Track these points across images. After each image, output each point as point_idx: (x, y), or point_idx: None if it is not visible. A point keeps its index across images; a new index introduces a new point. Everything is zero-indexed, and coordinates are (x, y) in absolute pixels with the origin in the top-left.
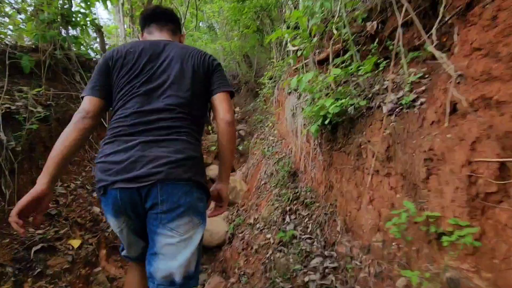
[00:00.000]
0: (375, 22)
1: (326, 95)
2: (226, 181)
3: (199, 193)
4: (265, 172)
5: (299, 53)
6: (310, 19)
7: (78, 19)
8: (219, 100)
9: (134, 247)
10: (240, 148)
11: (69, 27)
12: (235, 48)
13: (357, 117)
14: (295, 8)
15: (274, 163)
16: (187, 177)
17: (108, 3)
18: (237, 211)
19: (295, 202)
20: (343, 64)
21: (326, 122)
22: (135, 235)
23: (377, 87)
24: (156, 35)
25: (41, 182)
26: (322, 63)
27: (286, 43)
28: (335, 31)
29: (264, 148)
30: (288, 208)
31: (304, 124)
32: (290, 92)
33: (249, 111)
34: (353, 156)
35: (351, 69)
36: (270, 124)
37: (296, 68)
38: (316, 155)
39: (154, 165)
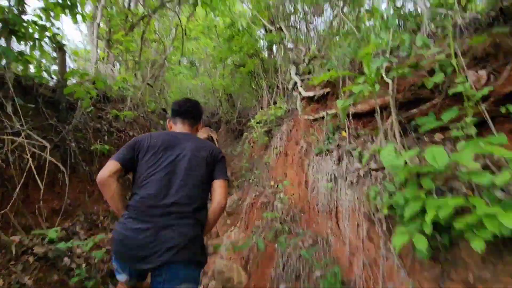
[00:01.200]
0: (484, 71)
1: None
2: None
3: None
4: (283, 269)
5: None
6: (377, 57)
7: (31, 30)
8: (218, 185)
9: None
10: (227, 206)
11: (13, 39)
12: (219, 86)
13: None
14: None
15: (300, 258)
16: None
17: (80, 18)
18: None
19: None
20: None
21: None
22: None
23: None
24: (179, 126)
25: None
26: (359, 117)
27: (282, 86)
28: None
29: (275, 227)
30: None
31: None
32: (319, 153)
33: (232, 155)
34: None
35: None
36: (273, 184)
37: (313, 119)
38: (392, 269)
39: (163, 248)
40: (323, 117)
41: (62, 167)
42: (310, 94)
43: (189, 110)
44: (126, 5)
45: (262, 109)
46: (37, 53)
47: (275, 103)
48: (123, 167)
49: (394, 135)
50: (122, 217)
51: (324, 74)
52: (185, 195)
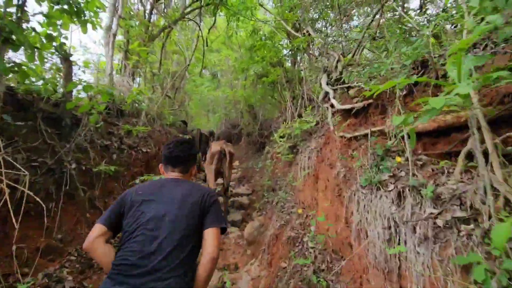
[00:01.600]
0: None
1: None
2: None
3: None
4: None
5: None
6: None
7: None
8: (210, 235)
9: None
10: (247, 233)
11: (6, 47)
12: (240, 97)
13: None
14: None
15: None
16: None
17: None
18: None
19: None
20: None
21: None
22: None
23: None
24: (170, 173)
25: None
26: (418, 137)
27: (308, 97)
28: None
29: (307, 277)
30: None
31: None
32: (368, 185)
33: (253, 169)
34: None
35: None
36: (300, 212)
37: (351, 137)
38: None
39: None
40: (365, 136)
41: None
42: (347, 107)
43: (179, 156)
44: (146, 16)
45: (285, 122)
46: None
47: (299, 115)
48: (110, 230)
49: (487, 166)
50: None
51: (389, 82)
52: (168, 253)
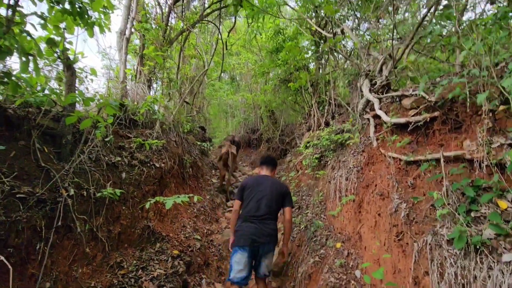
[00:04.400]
0: None
1: None
2: (286, 244)
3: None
4: None
5: None
6: None
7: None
8: (287, 210)
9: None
10: (273, 263)
11: None
12: (261, 101)
13: None
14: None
15: None
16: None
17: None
18: None
19: None
20: None
21: None
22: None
23: None
24: (264, 170)
25: None
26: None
27: (335, 103)
28: None
29: None
30: None
31: None
32: (463, 248)
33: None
34: None
35: None
36: (339, 246)
37: (409, 161)
38: None
39: (264, 235)
40: (428, 161)
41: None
42: (400, 120)
43: (271, 160)
44: (164, 19)
45: (310, 130)
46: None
47: (327, 123)
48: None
49: None
50: (238, 222)
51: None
52: (267, 211)
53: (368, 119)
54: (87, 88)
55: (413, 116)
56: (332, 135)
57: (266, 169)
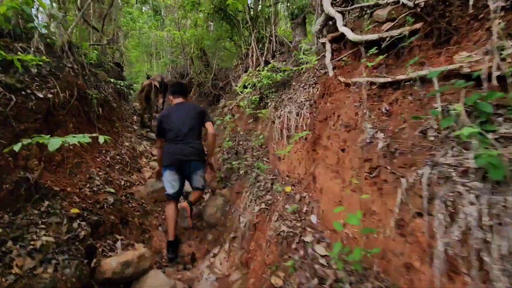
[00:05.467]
0: None
1: None
2: (211, 155)
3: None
4: None
5: None
6: None
7: None
8: (208, 125)
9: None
10: (208, 214)
11: None
12: (191, 37)
13: None
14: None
15: None
16: (199, 159)
17: None
18: None
19: None
20: None
21: None
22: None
23: None
24: (177, 99)
25: None
26: None
27: (276, 40)
28: None
29: None
30: None
31: None
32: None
33: None
34: None
35: None
36: (288, 190)
37: (383, 83)
38: None
39: (189, 153)
40: (409, 81)
41: None
42: (371, 37)
43: (181, 87)
44: None
45: (248, 72)
46: None
47: (266, 63)
48: (162, 137)
49: None
50: (165, 148)
51: None
52: (189, 130)
53: (324, 44)
54: None
55: (387, 30)
56: (273, 74)
57: (178, 97)
